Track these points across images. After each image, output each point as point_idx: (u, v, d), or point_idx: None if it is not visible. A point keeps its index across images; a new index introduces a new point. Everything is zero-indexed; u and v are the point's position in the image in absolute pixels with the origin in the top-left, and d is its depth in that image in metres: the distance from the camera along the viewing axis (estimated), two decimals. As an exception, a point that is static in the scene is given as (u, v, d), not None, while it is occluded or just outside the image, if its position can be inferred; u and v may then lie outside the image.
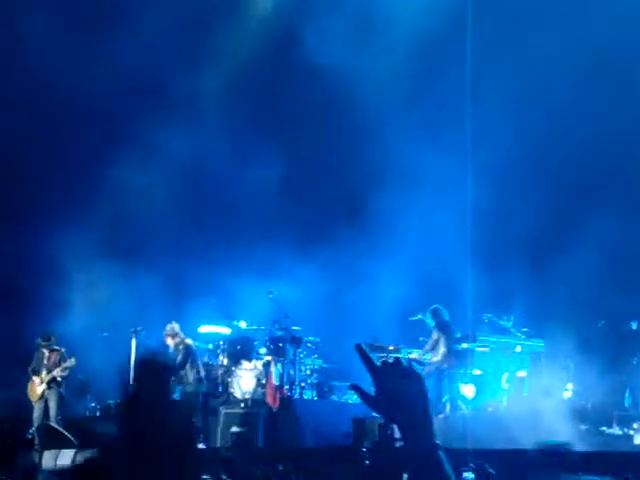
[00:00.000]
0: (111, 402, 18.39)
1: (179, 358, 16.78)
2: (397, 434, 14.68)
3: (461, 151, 17.04)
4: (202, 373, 17.02)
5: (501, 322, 16.97)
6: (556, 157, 18.48)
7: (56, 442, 16.04)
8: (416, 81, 18.73)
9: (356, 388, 3.08)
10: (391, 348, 16.86)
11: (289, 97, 19.52)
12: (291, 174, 19.64)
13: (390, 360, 3.04)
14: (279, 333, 17.94)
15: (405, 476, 11.03)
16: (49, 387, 17.14)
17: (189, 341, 17.09)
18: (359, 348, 3.09)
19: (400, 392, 2.97)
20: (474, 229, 17.63)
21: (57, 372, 17.09)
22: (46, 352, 17.27)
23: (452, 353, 16.35)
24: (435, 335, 16.49)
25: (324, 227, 19.44)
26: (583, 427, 15.69)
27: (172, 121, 19.07)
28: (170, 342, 16.95)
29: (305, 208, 19.76)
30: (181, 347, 16.89)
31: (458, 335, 16.58)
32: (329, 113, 19.38)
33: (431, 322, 16.63)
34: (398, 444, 14.43)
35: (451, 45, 17.95)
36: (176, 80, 19.74)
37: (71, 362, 17.32)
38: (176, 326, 17.00)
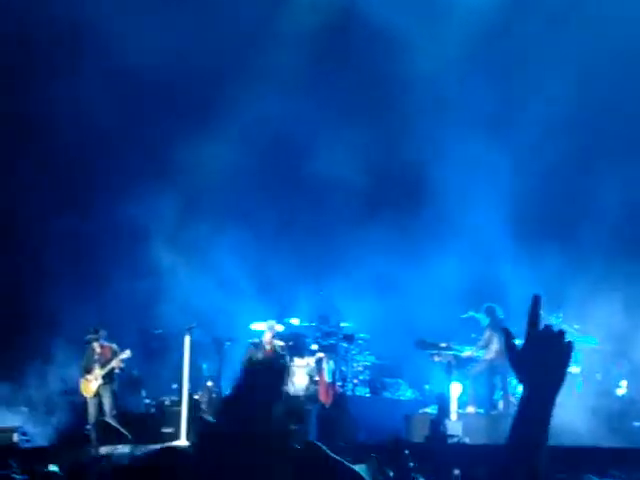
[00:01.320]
0: (165, 399, 18.55)
1: (286, 360, 17.07)
2: (449, 430, 14.70)
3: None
4: None
5: (551, 319, 16.86)
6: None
7: (112, 438, 16.21)
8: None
9: (508, 334, 3.03)
10: (443, 345, 16.83)
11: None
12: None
13: (555, 329, 2.97)
14: (330, 330, 18.01)
15: (456, 472, 11.05)
16: (103, 382, 17.27)
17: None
18: (507, 333, 3.04)
19: (552, 360, 2.91)
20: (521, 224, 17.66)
21: (115, 363, 17.21)
22: (97, 348, 17.35)
23: (504, 349, 16.26)
24: (488, 332, 16.46)
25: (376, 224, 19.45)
26: (637, 424, 15.63)
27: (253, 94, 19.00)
28: (268, 340, 17.10)
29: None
30: (278, 347, 17.10)
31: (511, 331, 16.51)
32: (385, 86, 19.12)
33: (485, 319, 16.59)
34: (449, 440, 14.46)
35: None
36: (256, 52, 19.64)
37: (126, 354, 17.36)
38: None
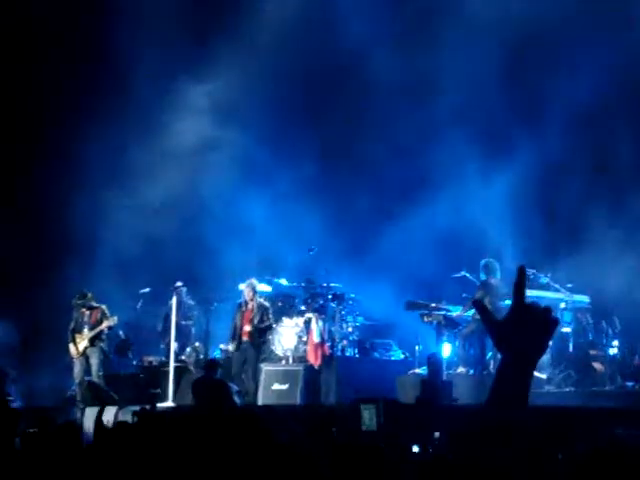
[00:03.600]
0: (152, 359, 18.45)
1: (270, 318, 16.96)
2: (440, 391, 14.54)
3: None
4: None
5: (542, 279, 16.70)
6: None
7: (98, 399, 16.08)
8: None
9: (479, 305, 2.99)
10: (433, 305, 16.67)
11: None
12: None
13: (536, 305, 2.93)
14: (319, 290, 17.85)
15: (436, 434, 10.89)
16: (92, 344, 17.16)
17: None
18: (477, 304, 3.02)
19: (535, 333, 2.89)
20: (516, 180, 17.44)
21: (104, 326, 17.11)
22: (85, 311, 17.27)
23: (497, 310, 16.11)
24: (481, 291, 16.23)
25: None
26: (629, 384, 15.52)
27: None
28: (250, 297, 16.96)
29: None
30: (261, 305, 17.00)
31: (504, 291, 16.32)
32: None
33: (482, 276, 16.37)
34: (441, 401, 14.30)
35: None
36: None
37: (113, 320, 17.34)
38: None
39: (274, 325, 17.46)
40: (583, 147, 17.60)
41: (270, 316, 17.14)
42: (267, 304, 17.23)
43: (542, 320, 2.90)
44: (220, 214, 19.14)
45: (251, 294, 17.04)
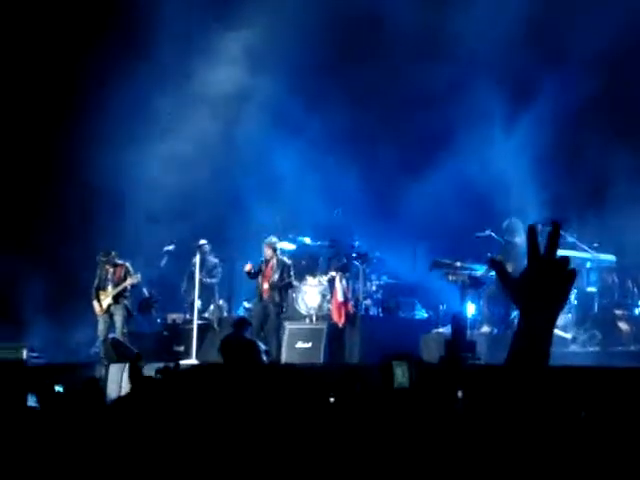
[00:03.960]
0: (175, 317, 18.48)
1: (291, 276, 17.06)
2: (464, 350, 14.49)
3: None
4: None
5: (568, 238, 16.56)
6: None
7: (122, 355, 16.15)
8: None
9: (495, 264, 2.96)
10: (458, 264, 16.57)
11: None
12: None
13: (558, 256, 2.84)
14: (344, 249, 17.81)
15: (460, 393, 10.84)
16: (116, 301, 17.21)
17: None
18: (494, 263, 2.98)
19: (554, 287, 2.82)
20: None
21: (128, 283, 17.15)
22: (110, 268, 17.30)
23: (521, 269, 15.95)
24: (504, 252, 16.12)
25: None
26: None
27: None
28: (270, 255, 16.98)
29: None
30: (285, 263, 17.07)
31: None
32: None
33: (505, 237, 16.25)
34: (466, 361, 14.26)
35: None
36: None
37: (137, 278, 17.39)
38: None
39: (296, 283, 17.45)
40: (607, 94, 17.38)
41: (291, 274, 17.13)
42: (289, 262, 17.22)
43: (559, 273, 2.83)
44: (251, 166, 19.00)
45: (270, 252, 17.04)
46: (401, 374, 10.31)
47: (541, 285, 2.81)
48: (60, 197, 19.19)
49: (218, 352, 14.80)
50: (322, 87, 18.78)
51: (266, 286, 16.94)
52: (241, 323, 14.98)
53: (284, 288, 17.10)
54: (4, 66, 19.25)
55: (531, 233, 2.90)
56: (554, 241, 2.87)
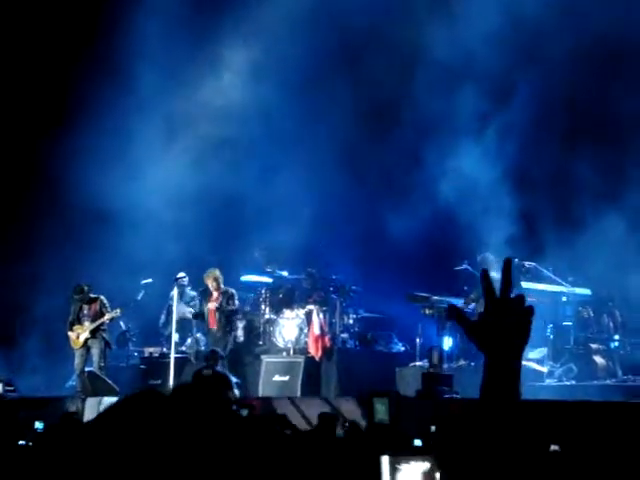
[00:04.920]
0: (153, 350, 18.46)
1: (235, 303, 17.07)
2: (441, 384, 14.53)
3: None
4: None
5: (543, 272, 16.69)
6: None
7: (99, 389, 16.10)
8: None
9: (454, 310, 2.96)
10: (434, 298, 16.65)
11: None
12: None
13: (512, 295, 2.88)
14: (321, 282, 17.87)
15: (432, 428, 10.89)
16: (93, 335, 17.15)
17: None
18: (451, 311, 2.96)
19: (514, 326, 2.82)
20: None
21: (106, 318, 17.11)
22: (85, 305, 17.25)
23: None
24: (480, 288, 16.19)
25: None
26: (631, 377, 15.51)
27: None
28: (212, 286, 17.04)
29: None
30: (229, 292, 17.07)
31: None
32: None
33: (478, 271, 16.36)
34: (442, 394, 14.30)
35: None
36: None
37: (116, 313, 17.32)
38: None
39: (273, 316, 17.56)
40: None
41: (236, 301, 17.30)
42: (233, 290, 17.29)
43: (516, 311, 2.83)
44: (231, 199, 18.99)
45: (214, 284, 17.14)
46: (382, 410, 10.36)
47: (500, 325, 2.82)
48: (38, 222, 19.18)
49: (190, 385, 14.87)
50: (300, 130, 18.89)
51: (212, 307, 17.07)
52: (212, 356, 14.95)
53: (230, 314, 17.14)
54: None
55: (506, 267, 2.92)
56: (507, 278, 2.89)
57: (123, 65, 18.76)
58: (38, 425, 11.48)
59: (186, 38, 19.21)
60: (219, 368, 14.68)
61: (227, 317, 17.15)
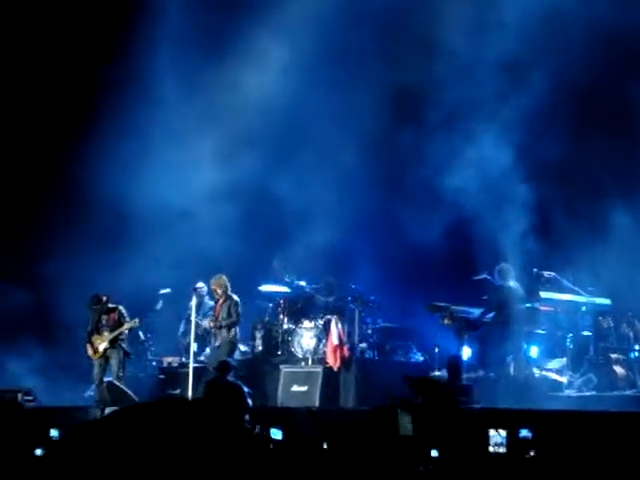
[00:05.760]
0: (171, 360, 18.46)
1: (235, 314, 16.83)
2: (460, 394, 14.47)
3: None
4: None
5: (563, 282, 16.64)
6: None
7: (118, 399, 16.10)
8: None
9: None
10: (454, 308, 16.62)
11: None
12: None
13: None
14: (340, 292, 17.86)
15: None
16: (112, 345, 17.16)
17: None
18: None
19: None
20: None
21: (125, 328, 17.11)
22: (103, 315, 17.25)
23: (516, 313, 16.06)
24: (499, 295, 16.19)
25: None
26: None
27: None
28: (218, 293, 16.98)
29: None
30: (232, 300, 16.92)
31: (523, 294, 16.27)
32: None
33: (497, 281, 16.32)
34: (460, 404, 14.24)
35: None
36: None
37: (135, 322, 17.32)
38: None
39: (291, 326, 17.55)
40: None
41: (238, 311, 16.89)
42: (237, 298, 17.03)
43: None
44: (254, 207, 19.00)
45: (220, 291, 16.98)
46: (407, 422, 10.31)
47: None
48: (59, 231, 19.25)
49: (202, 395, 14.82)
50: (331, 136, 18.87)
51: (207, 324, 17.03)
52: (224, 367, 14.90)
53: (231, 326, 16.94)
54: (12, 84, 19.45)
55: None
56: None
57: (152, 62, 18.80)
58: (53, 433, 11.49)
59: (215, 33, 19.19)
60: (231, 378, 14.63)
61: (228, 328, 16.95)
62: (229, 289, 17.02)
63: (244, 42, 19.21)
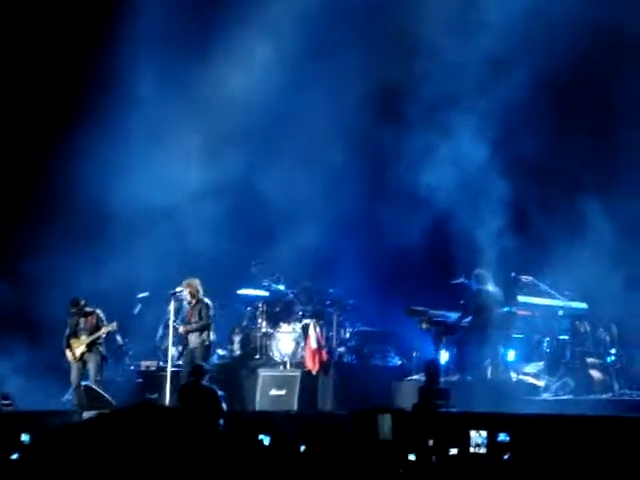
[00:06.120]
0: (149, 364, 18.42)
1: (206, 317, 16.73)
2: (437, 398, 14.52)
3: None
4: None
5: (540, 286, 16.72)
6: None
7: (95, 403, 16.07)
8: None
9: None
10: (431, 312, 16.67)
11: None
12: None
13: None
14: (318, 295, 17.87)
15: (430, 442, 10.89)
16: (89, 349, 17.13)
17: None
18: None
19: None
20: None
21: (102, 332, 17.08)
22: (82, 319, 17.22)
23: (494, 317, 16.13)
24: (477, 299, 16.26)
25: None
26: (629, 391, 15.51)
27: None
28: (189, 296, 16.86)
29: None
30: (203, 303, 16.83)
31: (501, 298, 16.34)
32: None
33: (474, 285, 16.38)
34: (438, 408, 14.29)
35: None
36: None
37: (112, 326, 17.32)
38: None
39: (269, 330, 17.55)
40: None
41: (209, 314, 16.76)
42: (207, 301, 16.90)
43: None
44: (234, 212, 18.99)
45: (191, 295, 16.85)
46: (386, 427, 10.33)
47: None
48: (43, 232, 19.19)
49: (177, 400, 14.79)
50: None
51: (181, 330, 16.82)
52: (198, 371, 14.86)
53: (201, 329, 16.83)
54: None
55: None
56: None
57: (134, 60, 18.77)
58: (24, 437, 11.43)
59: (198, 30, 19.16)
60: (205, 382, 14.60)
61: (200, 332, 16.82)
62: (201, 292, 16.88)
63: (227, 39, 19.17)
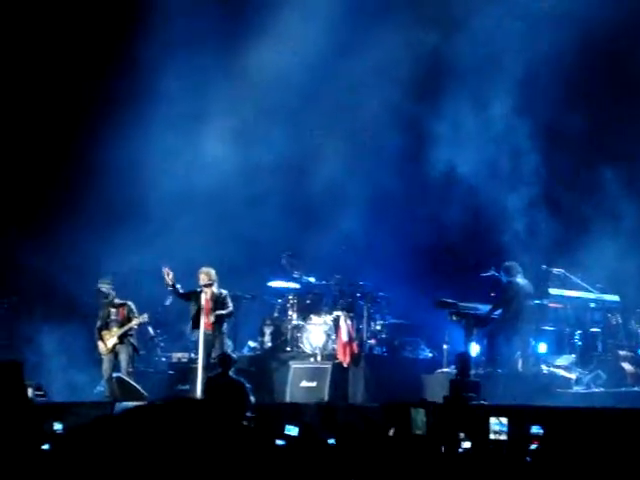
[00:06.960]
0: (181, 356, 18.50)
1: (227, 307, 16.72)
2: (468, 391, 14.50)
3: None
4: None
5: (572, 278, 16.66)
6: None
7: (127, 395, 16.15)
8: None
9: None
10: (462, 304, 16.65)
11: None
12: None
13: None
14: (349, 288, 17.87)
15: (461, 434, 10.87)
16: (121, 341, 17.22)
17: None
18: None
19: None
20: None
21: (133, 323, 17.15)
22: (112, 309, 17.31)
23: (524, 309, 16.09)
24: (508, 292, 16.23)
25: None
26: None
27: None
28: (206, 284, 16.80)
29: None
30: (223, 293, 16.82)
31: (531, 291, 16.30)
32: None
33: (504, 278, 16.35)
34: (469, 401, 14.27)
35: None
36: None
37: (143, 318, 17.39)
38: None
39: (300, 322, 17.57)
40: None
41: (229, 303, 16.72)
42: (224, 292, 16.86)
43: None
44: (262, 203, 19.01)
45: (206, 280, 16.71)
46: (420, 422, 10.32)
47: None
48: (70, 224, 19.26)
49: (203, 392, 14.80)
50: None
51: (206, 320, 16.65)
52: (226, 361, 14.80)
53: (223, 318, 16.86)
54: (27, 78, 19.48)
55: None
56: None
57: (173, 38, 18.83)
58: (57, 426, 11.47)
59: (237, 5, 19.19)
60: (232, 374, 14.58)
61: (221, 321, 16.74)
62: (216, 282, 16.78)
63: (265, 16, 19.10)
